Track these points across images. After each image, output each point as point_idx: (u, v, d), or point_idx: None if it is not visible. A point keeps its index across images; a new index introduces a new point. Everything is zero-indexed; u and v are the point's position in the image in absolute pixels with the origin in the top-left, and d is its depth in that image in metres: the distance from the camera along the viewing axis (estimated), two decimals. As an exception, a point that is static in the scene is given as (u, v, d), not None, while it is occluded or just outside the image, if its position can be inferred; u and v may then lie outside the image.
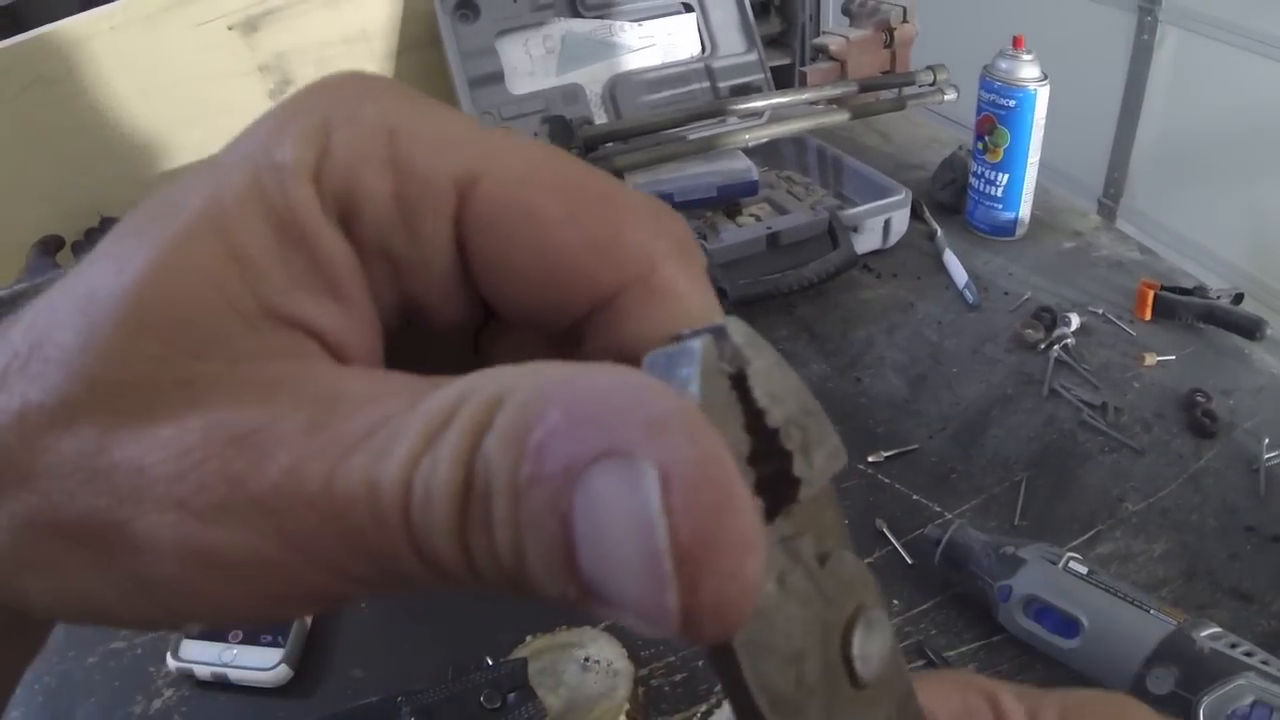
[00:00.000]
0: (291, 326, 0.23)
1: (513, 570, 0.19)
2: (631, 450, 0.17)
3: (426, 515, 0.19)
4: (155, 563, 0.20)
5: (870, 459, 1.01)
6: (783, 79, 1.70)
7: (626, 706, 0.75)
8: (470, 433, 0.18)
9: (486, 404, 0.19)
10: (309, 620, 0.87)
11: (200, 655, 0.83)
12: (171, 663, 0.83)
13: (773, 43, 2.32)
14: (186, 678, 0.84)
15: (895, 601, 0.88)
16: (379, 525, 0.19)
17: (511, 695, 0.71)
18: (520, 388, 0.19)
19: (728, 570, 0.17)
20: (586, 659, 0.79)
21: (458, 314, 0.26)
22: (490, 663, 0.76)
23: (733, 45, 1.66)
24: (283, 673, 0.83)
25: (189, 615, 0.22)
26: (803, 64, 1.91)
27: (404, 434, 0.19)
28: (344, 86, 0.25)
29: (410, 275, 0.25)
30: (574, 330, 0.25)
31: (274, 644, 0.83)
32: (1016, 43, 1.31)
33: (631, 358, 0.23)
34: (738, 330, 0.22)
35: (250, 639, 0.84)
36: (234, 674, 0.82)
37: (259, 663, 0.82)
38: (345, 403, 0.21)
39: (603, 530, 0.17)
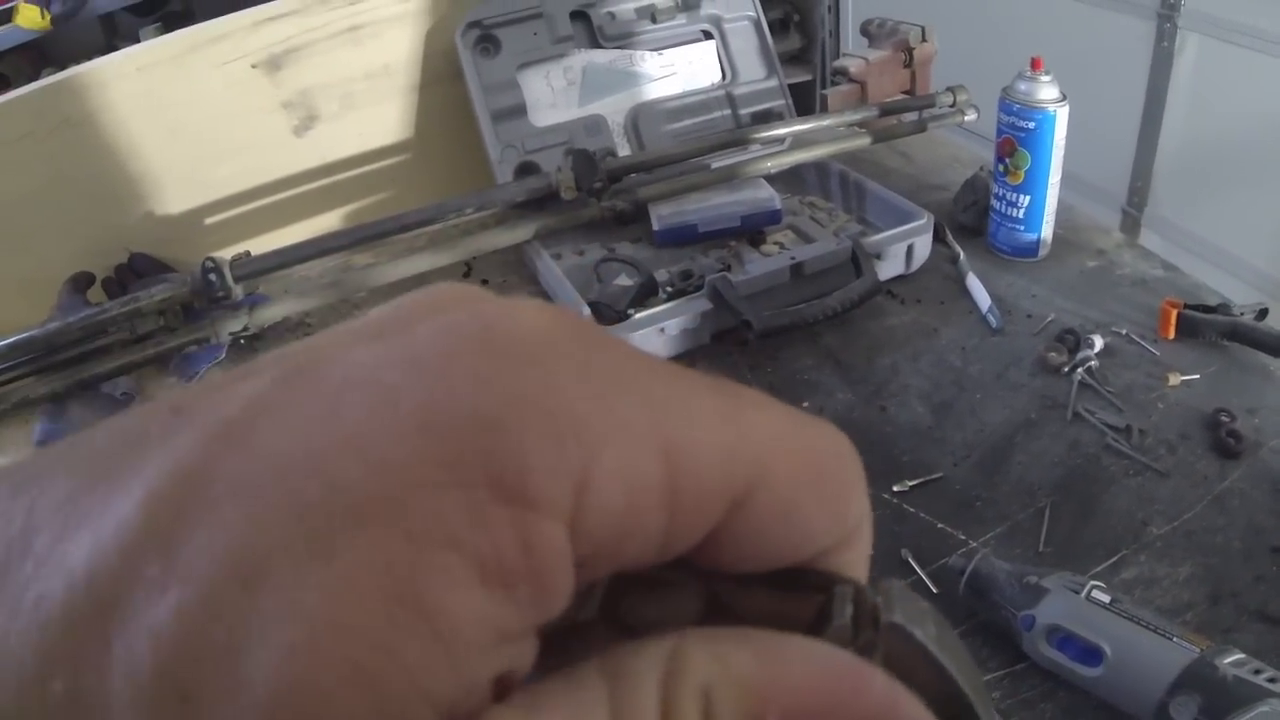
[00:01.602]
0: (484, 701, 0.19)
1: None
2: None
3: None
4: None
5: (895, 488, 1.02)
6: (803, 95, 1.71)
7: None
8: None
9: (700, 697, 0.19)
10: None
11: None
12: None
13: (793, 59, 2.32)
14: None
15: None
16: None
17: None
18: (715, 673, 0.19)
19: None
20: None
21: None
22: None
23: (753, 71, 1.67)
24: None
25: None
26: (824, 81, 1.92)
27: None
28: (556, 343, 0.20)
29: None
30: None
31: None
32: (1034, 65, 1.32)
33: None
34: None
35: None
36: None
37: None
38: None
39: None
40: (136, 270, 1.51)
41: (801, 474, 0.22)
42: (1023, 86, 1.32)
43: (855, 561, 0.24)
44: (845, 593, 0.23)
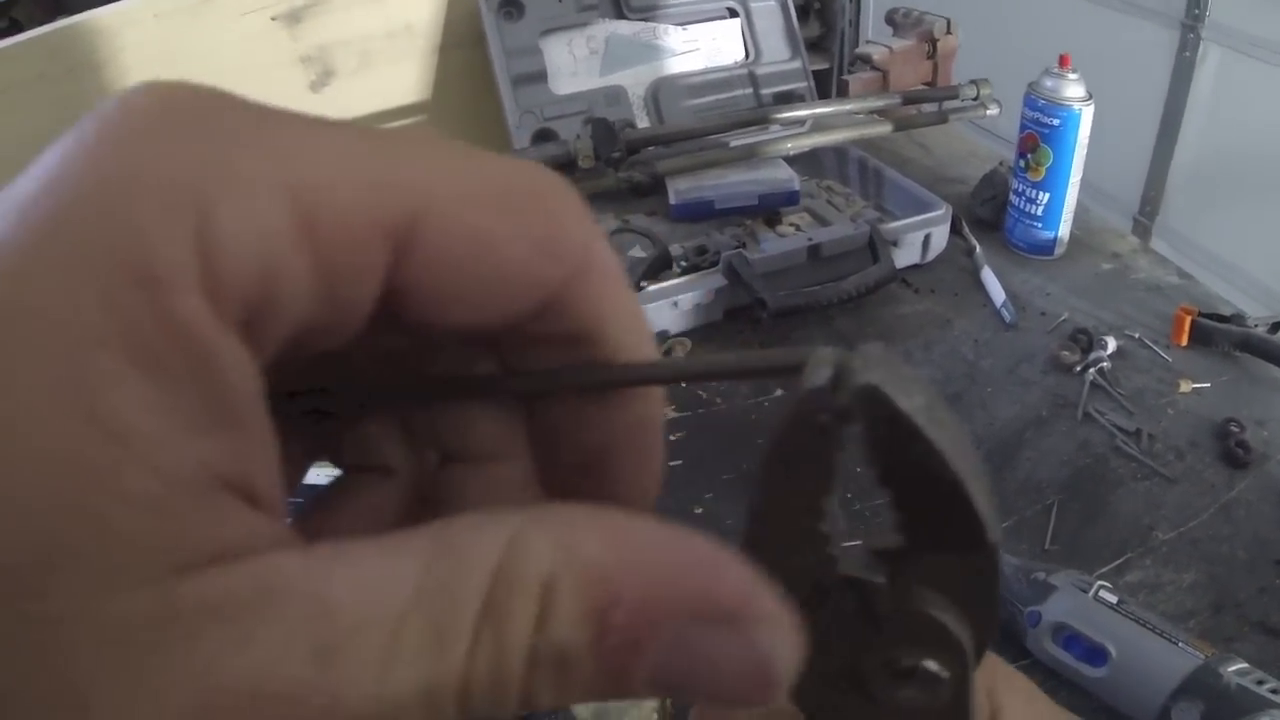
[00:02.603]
0: (203, 500, 0.18)
1: (581, 694, 0.21)
2: (722, 616, 0.21)
3: (493, 695, 0.20)
4: None
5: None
6: (821, 84, 1.70)
7: (655, 716, 0.75)
8: (532, 618, 0.19)
9: (538, 590, 0.20)
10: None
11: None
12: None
13: (811, 47, 2.31)
14: None
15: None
16: (429, 717, 0.19)
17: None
18: (558, 563, 0.20)
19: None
20: (617, 667, 0.79)
21: (347, 339, 0.23)
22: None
23: (777, 52, 1.66)
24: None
25: None
26: (841, 69, 1.91)
27: (454, 633, 0.19)
28: (181, 117, 0.19)
29: (315, 335, 0.21)
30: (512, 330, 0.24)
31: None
32: (1063, 61, 1.31)
33: (581, 339, 0.24)
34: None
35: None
36: None
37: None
38: (338, 610, 0.18)
39: (707, 670, 0.21)
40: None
41: (477, 198, 0.22)
42: (1049, 83, 1.31)
43: (605, 300, 0.24)
44: (824, 355, 0.23)
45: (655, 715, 0.76)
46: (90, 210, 0.18)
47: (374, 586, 0.19)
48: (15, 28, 2.78)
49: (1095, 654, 0.77)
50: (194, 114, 0.19)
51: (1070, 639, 0.79)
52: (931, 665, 0.24)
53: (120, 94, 0.20)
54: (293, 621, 0.18)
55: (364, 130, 0.21)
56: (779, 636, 0.21)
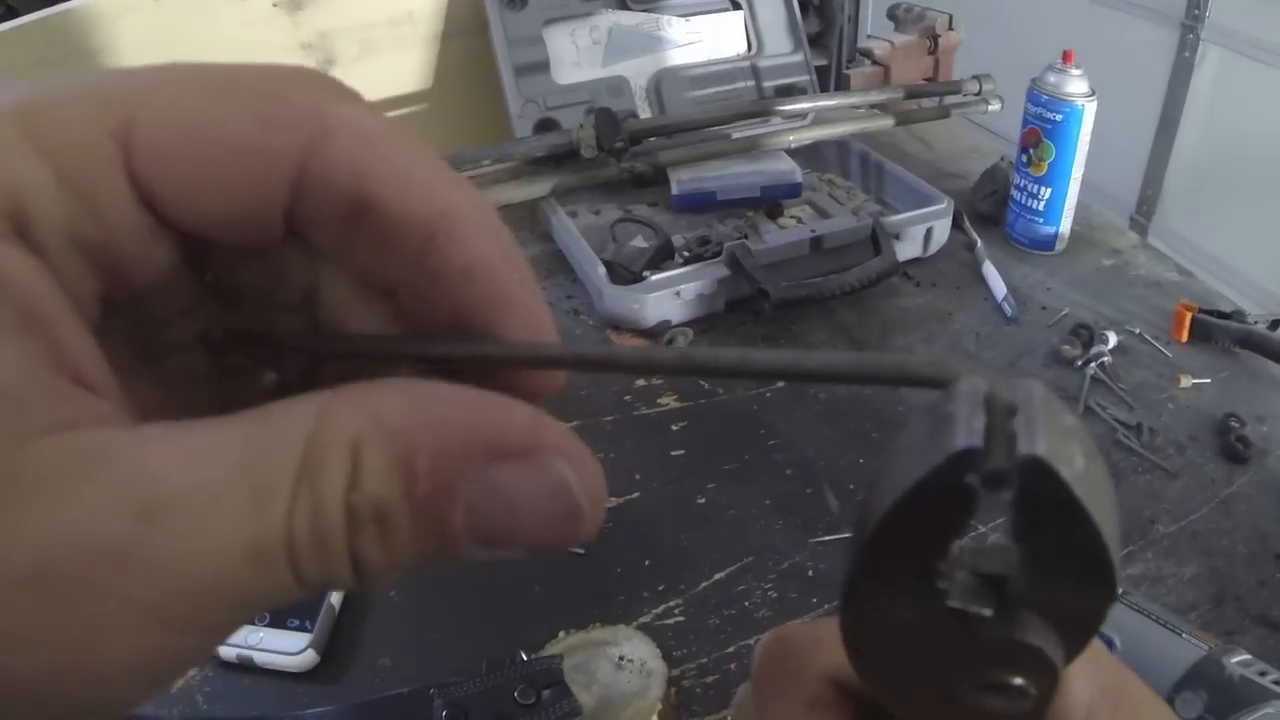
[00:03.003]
0: (37, 384, 0.20)
1: (411, 564, 0.22)
2: (526, 451, 0.23)
3: (319, 553, 0.21)
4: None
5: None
6: (820, 81, 1.70)
7: (659, 707, 0.75)
8: (345, 476, 0.21)
9: (348, 450, 0.21)
10: (337, 606, 0.86)
11: (226, 637, 0.82)
12: (196, 643, 0.82)
13: (810, 43, 2.31)
14: (211, 658, 0.82)
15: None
16: (261, 576, 0.21)
17: (546, 692, 0.70)
18: (364, 425, 0.21)
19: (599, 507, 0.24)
20: (621, 658, 0.79)
21: (158, 262, 0.25)
22: (524, 658, 0.76)
23: (779, 45, 1.66)
24: (309, 658, 0.82)
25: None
26: (840, 66, 1.91)
27: (273, 494, 0.20)
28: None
29: (104, 248, 0.23)
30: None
31: (302, 629, 0.83)
32: (1066, 57, 1.31)
33: (358, 207, 0.25)
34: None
35: (278, 623, 0.83)
36: (260, 657, 0.81)
37: (286, 647, 0.82)
38: (160, 476, 0.20)
39: (512, 506, 0.23)
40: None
41: (194, 90, 0.23)
42: (1052, 78, 1.31)
43: (363, 158, 0.25)
44: (975, 386, 0.21)
45: (660, 706, 0.76)
46: None
47: (196, 456, 0.20)
48: (12, 13, 2.77)
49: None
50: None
51: (1074, 629, 0.79)
52: (1022, 683, 0.24)
53: None
54: (117, 483, 0.20)
55: (97, 69, 0.24)
56: (573, 465, 0.23)
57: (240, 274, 0.28)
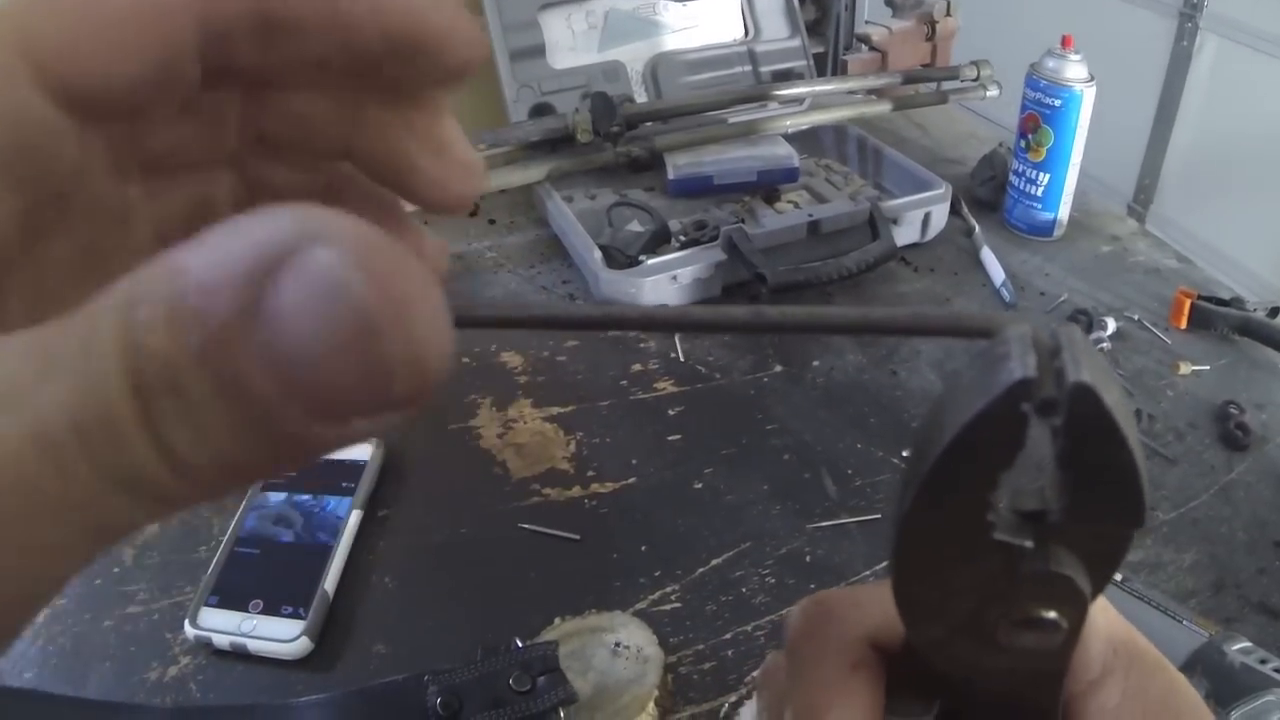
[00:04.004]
0: None
1: (241, 454, 0.19)
2: (284, 257, 0.18)
3: (106, 438, 0.18)
4: None
5: (904, 453, 1.01)
6: (817, 69, 1.69)
7: (655, 694, 0.75)
8: (118, 339, 0.18)
9: (124, 306, 0.18)
10: (331, 593, 0.85)
11: (219, 624, 0.81)
12: (189, 630, 0.81)
13: (808, 30, 2.30)
14: (204, 646, 0.82)
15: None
16: (55, 473, 0.18)
17: (541, 679, 0.70)
18: (147, 277, 0.18)
19: (425, 321, 0.19)
20: (617, 644, 0.78)
21: (87, 164, 0.24)
22: (519, 645, 0.76)
23: (776, 30, 1.65)
24: (303, 645, 0.81)
25: None
26: (837, 51, 1.90)
27: (58, 367, 0.18)
28: None
29: (27, 167, 0.22)
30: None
31: (295, 615, 0.82)
32: (1065, 42, 1.30)
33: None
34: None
35: (271, 610, 0.82)
36: (253, 644, 0.80)
37: (279, 634, 0.81)
38: None
39: (301, 330, 0.18)
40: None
41: None
42: (1051, 64, 1.31)
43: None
44: (1021, 331, 0.23)
45: (656, 692, 0.75)
46: None
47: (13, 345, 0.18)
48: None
49: (1099, 631, 0.77)
50: None
51: (1074, 616, 0.78)
52: (1055, 616, 0.26)
53: None
54: None
55: None
56: (355, 255, 0.18)
57: (167, 140, 0.27)
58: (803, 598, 0.35)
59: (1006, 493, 0.25)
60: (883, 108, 1.50)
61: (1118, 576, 0.78)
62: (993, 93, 1.57)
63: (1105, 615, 0.31)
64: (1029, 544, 0.25)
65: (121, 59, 0.22)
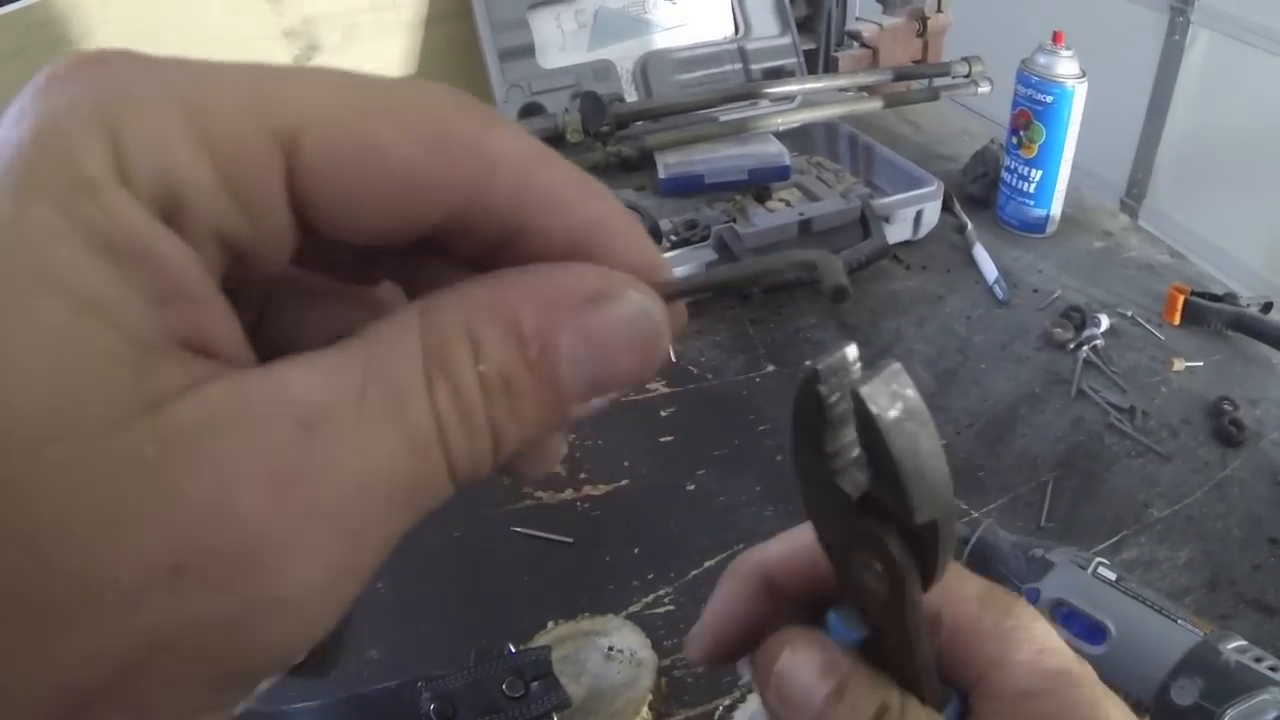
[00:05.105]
0: (169, 357, 0.21)
1: (535, 432, 0.25)
2: (601, 293, 0.26)
3: (466, 431, 0.24)
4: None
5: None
6: (808, 66, 1.69)
7: (649, 698, 0.74)
8: (470, 354, 0.24)
9: (465, 332, 0.24)
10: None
11: (214, 629, 0.81)
12: (185, 636, 0.81)
13: (798, 27, 2.30)
14: None
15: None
16: (420, 462, 0.23)
17: (535, 684, 0.69)
18: (469, 311, 0.24)
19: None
20: (610, 648, 0.77)
21: (286, 258, 0.26)
22: (512, 650, 0.75)
23: (766, 28, 1.64)
24: (296, 651, 0.80)
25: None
26: (828, 48, 1.90)
27: (409, 387, 0.23)
28: (92, 69, 0.22)
29: (246, 244, 0.24)
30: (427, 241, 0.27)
31: (288, 621, 0.81)
32: (1056, 38, 1.30)
33: (513, 234, 0.27)
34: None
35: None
36: None
37: (272, 639, 0.80)
38: (304, 398, 0.22)
39: (604, 345, 0.26)
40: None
41: (360, 107, 0.24)
42: (1042, 60, 1.30)
43: (525, 190, 0.26)
44: (832, 264, 0.29)
45: (650, 696, 0.75)
46: (26, 143, 0.21)
47: (326, 374, 0.23)
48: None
49: (1094, 631, 0.76)
50: (99, 62, 0.23)
51: (1069, 616, 0.78)
52: (879, 569, 0.31)
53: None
54: (267, 411, 0.22)
55: (256, 63, 0.24)
56: (643, 293, 0.26)
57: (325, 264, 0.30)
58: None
59: (853, 452, 0.30)
60: (874, 105, 1.49)
61: (1111, 575, 0.78)
62: (984, 89, 1.56)
63: (974, 578, 0.37)
64: (851, 493, 0.30)
65: (371, 212, 0.25)
